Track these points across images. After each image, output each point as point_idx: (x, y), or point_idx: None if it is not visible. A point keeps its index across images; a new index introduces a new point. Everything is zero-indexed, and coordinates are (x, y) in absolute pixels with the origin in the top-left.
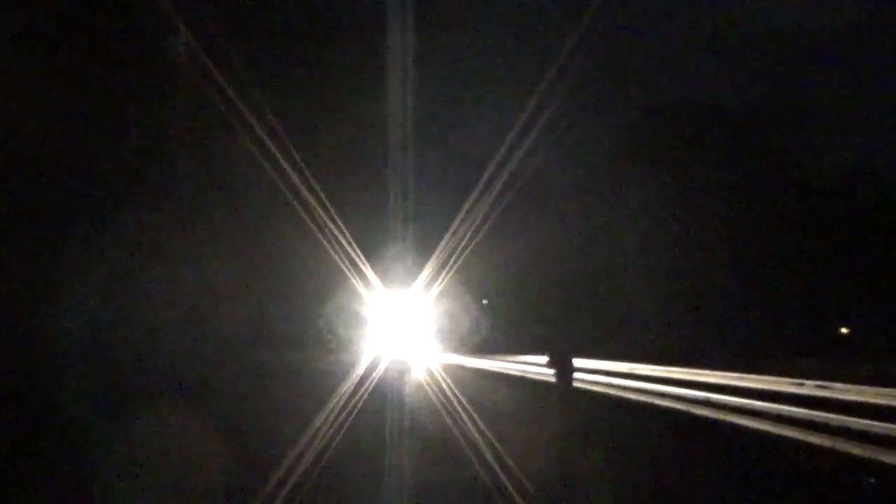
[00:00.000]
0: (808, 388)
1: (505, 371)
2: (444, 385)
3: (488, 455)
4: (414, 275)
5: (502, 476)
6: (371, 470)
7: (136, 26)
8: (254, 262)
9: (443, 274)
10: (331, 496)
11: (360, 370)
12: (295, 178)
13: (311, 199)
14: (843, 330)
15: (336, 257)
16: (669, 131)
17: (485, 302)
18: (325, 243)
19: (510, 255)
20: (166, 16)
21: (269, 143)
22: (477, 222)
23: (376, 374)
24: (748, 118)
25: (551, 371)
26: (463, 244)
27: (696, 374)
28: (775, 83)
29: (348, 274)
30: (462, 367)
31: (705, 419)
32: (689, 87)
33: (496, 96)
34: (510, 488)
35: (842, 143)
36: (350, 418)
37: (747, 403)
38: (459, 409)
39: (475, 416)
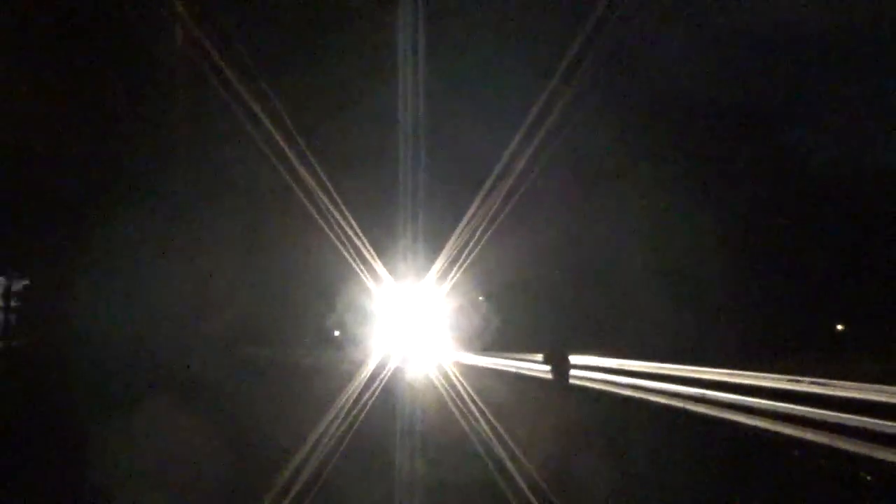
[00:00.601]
0: (804, 384)
1: (512, 369)
2: (455, 382)
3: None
4: (424, 270)
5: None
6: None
7: (143, 16)
8: (260, 258)
9: (453, 270)
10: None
11: (367, 370)
12: (303, 171)
13: (319, 193)
14: (839, 327)
15: (345, 252)
16: (672, 129)
17: (480, 299)
18: (334, 238)
19: (519, 252)
20: (171, 7)
21: (276, 136)
22: (487, 218)
23: (386, 374)
24: (748, 115)
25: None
26: (473, 240)
27: (693, 371)
28: (777, 80)
29: (357, 269)
30: (472, 366)
31: (700, 415)
32: (692, 84)
33: (507, 91)
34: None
35: (841, 140)
36: (361, 415)
37: (743, 400)
38: (472, 405)
39: (484, 408)
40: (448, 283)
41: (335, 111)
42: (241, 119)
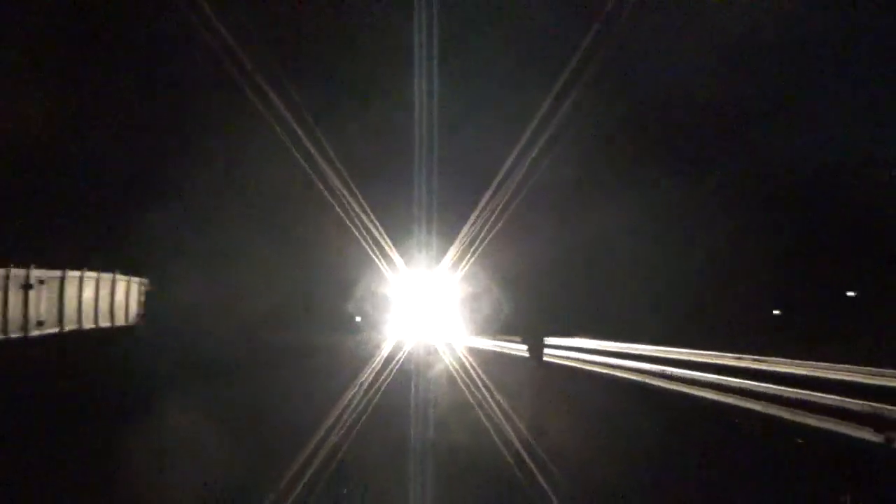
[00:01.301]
0: (746, 361)
1: (513, 351)
2: (465, 362)
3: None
4: (438, 260)
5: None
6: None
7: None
8: (290, 252)
9: (464, 261)
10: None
11: (385, 352)
12: (322, 164)
13: (339, 186)
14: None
15: (364, 243)
16: (668, 126)
17: (484, 287)
18: (355, 231)
19: (527, 243)
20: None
21: (298, 131)
22: (498, 210)
23: (402, 355)
24: (739, 113)
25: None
26: (483, 233)
27: (659, 350)
28: (772, 79)
29: (375, 258)
30: (480, 349)
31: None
32: (689, 82)
33: (519, 89)
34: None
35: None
36: (378, 394)
37: (692, 374)
38: (477, 378)
39: (485, 378)
40: (460, 272)
41: (353, 107)
42: (265, 116)
